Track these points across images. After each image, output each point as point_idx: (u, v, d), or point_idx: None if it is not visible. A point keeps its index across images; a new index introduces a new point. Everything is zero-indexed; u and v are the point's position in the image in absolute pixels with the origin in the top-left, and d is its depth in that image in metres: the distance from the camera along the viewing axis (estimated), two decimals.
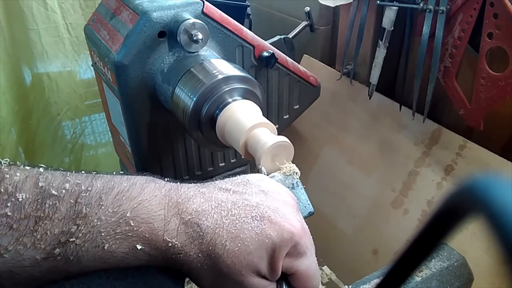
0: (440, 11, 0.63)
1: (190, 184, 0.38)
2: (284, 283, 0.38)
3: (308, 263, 0.38)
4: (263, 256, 0.36)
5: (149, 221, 0.34)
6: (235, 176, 0.41)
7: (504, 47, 0.58)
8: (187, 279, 0.40)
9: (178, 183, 0.38)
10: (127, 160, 0.74)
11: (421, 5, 0.65)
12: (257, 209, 0.36)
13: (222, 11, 0.63)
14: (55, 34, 1.11)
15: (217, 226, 0.35)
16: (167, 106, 0.61)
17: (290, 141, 0.49)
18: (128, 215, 0.33)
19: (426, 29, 0.65)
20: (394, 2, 0.69)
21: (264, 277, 0.37)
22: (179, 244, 0.35)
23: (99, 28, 0.66)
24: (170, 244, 0.34)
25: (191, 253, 0.35)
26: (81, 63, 1.18)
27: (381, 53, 0.74)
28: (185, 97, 0.56)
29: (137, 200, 0.34)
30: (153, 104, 0.63)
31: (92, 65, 0.73)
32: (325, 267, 0.76)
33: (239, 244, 0.35)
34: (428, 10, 0.64)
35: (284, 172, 0.48)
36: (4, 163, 0.33)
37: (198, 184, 0.39)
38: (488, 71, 0.61)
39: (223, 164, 0.75)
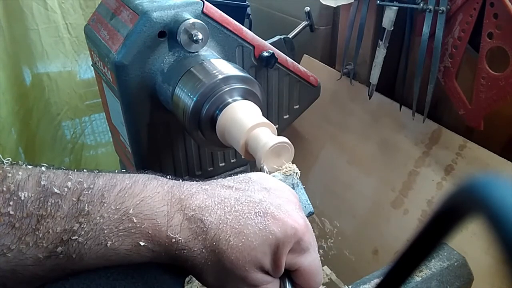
0: (440, 11, 0.63)
1: (192, 182, 0.38)
2: (287, 279, 0.39)
3: (311, 260, 0.38)
4: (267, 252, 0.36)
5: (152, 217, 0.34)
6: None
7: (504, 47, 0.58)
8: (187, 279, 0.40)
9: (180, 180, 0.38)
10: (127, 160, 0.74)
11: (421, 5, 0.65)
12: (260, 205, 0.36)
13: (222, 11, 0.63)
14: (55, 34, 1.11)
15: (220, 221, 0.35)
16: (167, 106, 0.61)
17: (290, 141, 0.49)
18: (130, 212, 0.33)
19: (426, 29, 0.65)
20: (394, 2, 0.69)
21: (267, 273, 0.37)
22: (182, 240, 0.35)
23: (99, 28, 0.66)
24: (174, 240, 0.34)
25: (195, 249, 0.35)
26: (81, 63, 1.18)
27: (381, 53, 0.74)
28: (185, 97, 0.56)
29: (139, 197, 0.34)
30: (153, 104, 0.63)
31: (92, 65, 0.73)
32: (325, 267, 0.76)
33: (243, 240, 0.35)
34: (428, 10, 0.64)
35: (284, 172, 0.48)
36: (6, 162, 0.33)
37: (200, 181, 0.39)
38: (488, 71, 0.61)
39: (223, 164, 0.75)
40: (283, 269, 0.37)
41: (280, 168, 0.48)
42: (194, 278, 0.54)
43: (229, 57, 0.64)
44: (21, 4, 1.05)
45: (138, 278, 0.36)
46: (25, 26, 1.07)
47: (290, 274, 0.39)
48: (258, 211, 0.36)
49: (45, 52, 1.12)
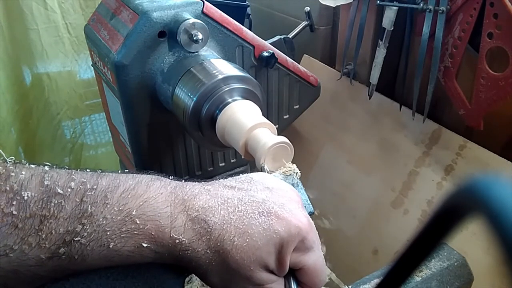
0: (440, 11, 0.63)
1: (194, 182, 0.38)
2: (291, 278, 0.39)
3: (315, 258, 0.38)
4: (271, 251, 0.36)
5: (155, 218, 0.34)
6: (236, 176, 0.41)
7: (504, 47, 0.58)
8: (187, 279, 0.40)
9: (183, 181, 0.38)
10: (127, 160, 0.74)
11: (421, 5, 0.65)
12: (264, 205, 0.36)
13: (222, 11, 0.63)
14: (55, 34, 1.11)
15: (224, 222, 0.35)
16: (167, 106, 0.61)
17: (290, 141, 0.49)
18: (134, 213, 0.33)
19: (426, 29, 0.65)
20: (394, 2, 0.69)
21: (272, 272, 0.37)
22: (186, 241, 0.35)
23: (99, 28, 0.66)
24: (178, 241, 0.34)
25: (199, 249, 0.35)
26: (81, 63, 1.18)
27: (381, 53, 0.74)
28: (185, 97, 0.56)
29: (143, 198, 0.34)
30: (153, 104, 0.63)
31: (92, 65, 0.73)
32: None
33: (247, 240, 0.35)
34: (428, 10, 0.64)
35: (284, 172, 0.48)
36: (9, 161, 0.33)
37: (202, 182, 0.39)
38: (488, 71, 0.61)
39: (223, 164, 0.75)
40: (287, 268, 0.37)
41: (280, 168, 0.48)
42: (194, 278, 0.54)
43: (229, 57, 0.64)
44: (21, 4, 1.05)
45: (138, 278, 0.36)
46: (25, 26, 1.07)
47: (294, 272, 0.39)
48: (262, 211, 0.36)
49: (45, 52, 1.12)
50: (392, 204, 0.76)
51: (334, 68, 0.92)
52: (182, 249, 0.35)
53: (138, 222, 0.33)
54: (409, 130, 0.76)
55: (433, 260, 0.53)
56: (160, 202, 0.35)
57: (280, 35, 0.83)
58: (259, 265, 0.36)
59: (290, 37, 0.85)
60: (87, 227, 0.32)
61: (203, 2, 0.61)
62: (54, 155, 1.23)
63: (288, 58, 0.73)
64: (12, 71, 1.10)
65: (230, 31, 0.64)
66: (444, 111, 0.75)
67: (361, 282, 0.52)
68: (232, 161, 0.76)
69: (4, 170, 0.32)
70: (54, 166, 0.34)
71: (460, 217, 0.18)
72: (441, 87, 0.69)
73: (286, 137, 0.49)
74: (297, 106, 0.79)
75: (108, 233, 0.33)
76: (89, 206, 0.33)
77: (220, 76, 0.55)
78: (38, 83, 1.15)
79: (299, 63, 0.77)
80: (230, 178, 0.40)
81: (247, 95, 0.57)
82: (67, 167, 0.35)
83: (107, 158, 1.30)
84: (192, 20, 0.57)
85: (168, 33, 0.58)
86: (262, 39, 0.69)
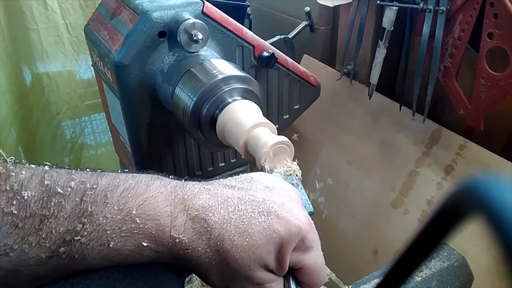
0: (440, 11, 0.63)
1: (194, 182, 0.38)
2: (291, 277, 0.39)
3: (315, 257, 0.39)
4: (271, 251, 0.36)
5: (155, 217, 0.34)
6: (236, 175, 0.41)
7: (504, 47, 0.58)
8: (187, 279, 0.40)
9: (183, 180, 0.38)
10: (127, 160, 0.74)
11: (421, 5, 0.65)
12: (264, 204, 0.36)
13: (222, 11, 0.63)
14: (55, 34, 1.11)
15: (224, 221, 0.35)
16: (167, 106, 0.61)
17: (290, 141, 0.49)
18: (134, 212, 0.33)
19: (426, 29, 0.65)
20: (394, 2, 0.69)
21: (271, 272, 0.37)
22: (186, 240, 0.35)
23: (99, 28, 0.66)
24: (177, 240, 0.34)
25: (199, 249, 0.35)
26: (81, 63, 1.18)
27: (381, 53, 0.74)
28: (185, 97, 0.56)
29: (143, 197, 0.34)
30: (153, 104, 0.63)
31: (92, 65, 0.73)
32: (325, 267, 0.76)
33: (247, 239, 0.35)
34: (428, 10, 0.64)
35: (284, 172, 0.48)
36: (9, 161, 0.33)
37: (202, 181, 0.39)
38: (488, 71, 0.61)
39: (223, 164, 0.75)
40: (287, 268, 0.37)
41: (280, 167, 0.48)
42: (194, 278, 0.54)
43: (229, 57, 0.64)
44: (21, 4, 1.05)
45: (138, 278, 0.36)
46: (25, 26, 1.07)
47: (294, 272, 0.39)
48: (262, 210, 0.36)
49: (45, 52, 1.12)
50: (392, 204, 0.76)
51: (334, 68, 0.92)
52: (182, 248, 0.35)
53: (138, 221, 0.33)
54: (409, 130, 0.76)
55: (433, 260, 0.53)
56: (160, 201, 0.35)
57: (280, 35, 0.83)
58: (259, 264, 0.36)
59: (290, 37, 0.85)
60: (87, 226, 0.32)
61: (203, 2, 0.61)
62: (54, 155, 1.23)
63: (288, 58, 0.73)
64: (12, 71, 1.10)
65: (230, 31, 0.64)
66: (444, 111, 0.75)
67: (361, 282, 0.52)
68: (232, 161, 0.76)
69: (4, 170, 0.32)
70: (54, 166, 0.34)
71: (460, 217, 0.18)
72: (441, 87, 0.69)
73: (286, 137, 0.49)
74: (297, 106, 0.79)
75: (108, 232, 0.33)
76: (89, 205, 0.33)
77: (220, 76, 0.55)
78: (38, 83, 1.15)
79: (299, 63, 0.77)
80: (230, 178, 0.40)
81: (247, 95, 0.57)
82: (67, 167, 0.35)
83: (107, 158, 1.30)
84: (192, 20, 0.57)
85: (168, 33, 0.58)
86: (262, 39, 0.69)
